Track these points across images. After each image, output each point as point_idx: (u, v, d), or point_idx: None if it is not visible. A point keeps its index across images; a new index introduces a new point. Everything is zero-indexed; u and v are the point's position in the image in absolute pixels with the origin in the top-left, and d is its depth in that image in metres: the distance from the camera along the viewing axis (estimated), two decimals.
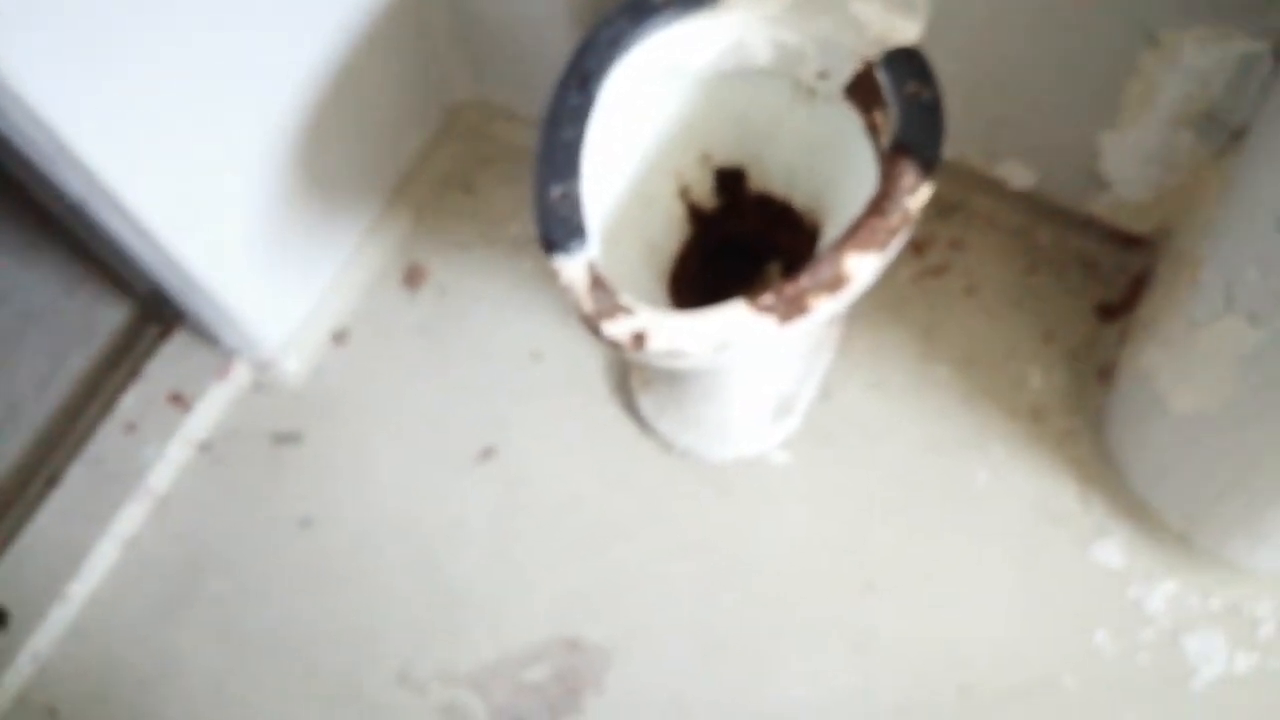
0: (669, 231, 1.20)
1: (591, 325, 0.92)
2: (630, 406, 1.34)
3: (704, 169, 1.22)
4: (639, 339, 0.90)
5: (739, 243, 1.28)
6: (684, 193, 1.21)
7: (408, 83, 1.40)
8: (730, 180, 1.23)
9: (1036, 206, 1.38)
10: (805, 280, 0.91)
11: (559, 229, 0.95)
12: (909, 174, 0.95)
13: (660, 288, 1.18)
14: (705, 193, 1.23)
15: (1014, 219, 1.40)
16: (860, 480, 1.28)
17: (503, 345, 1.40)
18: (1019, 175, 1.35)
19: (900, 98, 0.98)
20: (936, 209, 1.42)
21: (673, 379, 1.26)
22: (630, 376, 1.34)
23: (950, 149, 1.35)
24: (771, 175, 1.22)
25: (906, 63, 1.00)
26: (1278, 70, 1.03)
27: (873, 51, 1.02)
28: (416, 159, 1.49)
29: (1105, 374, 1.30)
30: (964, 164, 1.38)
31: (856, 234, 0.93)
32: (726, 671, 1.20)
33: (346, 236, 1.41)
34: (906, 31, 1.02)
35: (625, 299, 0.92)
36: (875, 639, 1.20)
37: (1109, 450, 1.25)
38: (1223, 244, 0.98)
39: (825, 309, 0.92)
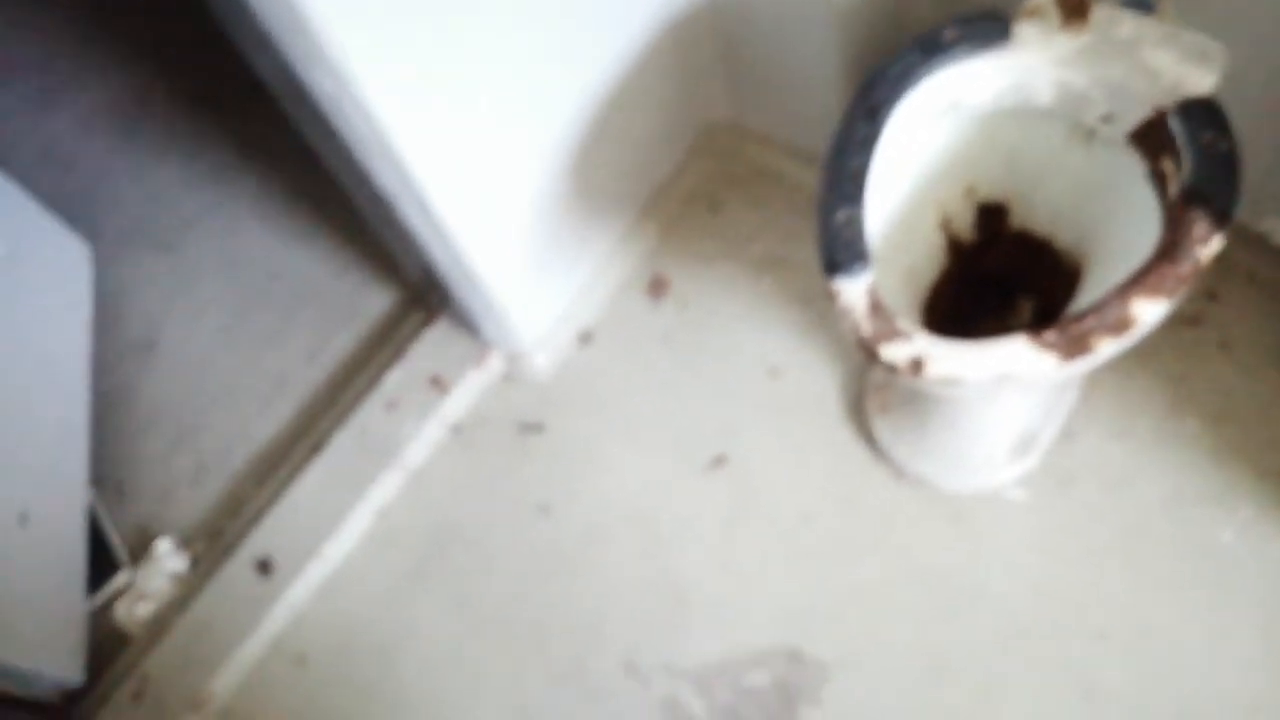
0: (928, 260, 1.23)
1: (869, 348, 0.95)
2: (864, 430, 1.36)
3: (967, 202, 1.23)
4: (917, 365, 0.93)
5: (993, 277, 1.29)
6: (945, 224, 1.23)
7: (671, 103, 1.46)
8: (992, 215, 1.25)
9: None
10: (1090, 320, 0.92)
11: (843, 251, 0.98)
12: (1201, 223, 0.95)
13: (915, 314, 1.20)
14: (966, 225, 1.24)
15: (1276, 275, 1.36)
16: (1098, 526, 1.27)
17: (740, 359, 1.44)
18: None
19: (1196, 147, 0.98)
20: None
21: (913, 406, 1.28)
22: (866, 400, 1.37)
23: None
24: (1035, 213, 1.23)
25: (1203, 113, 0.99)
26: None
27: (1166, 100, 1.02)
28: (670, 175, 1.55)
29: None
30: None
31: (1145, 279, 0.93)
32: (946, 700, 1.21)
33: (600, 244, 1.48)
34: (1201, 82, 1.01)
35: (903, 324, 0.95)
36: (1105, 687, 1.19)
37: None
38: None
39: (1108, 350, 0.92)
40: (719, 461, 1.39)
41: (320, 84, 1.01)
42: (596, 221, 1.45)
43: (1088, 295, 1.11)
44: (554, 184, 1.31)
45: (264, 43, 1.00)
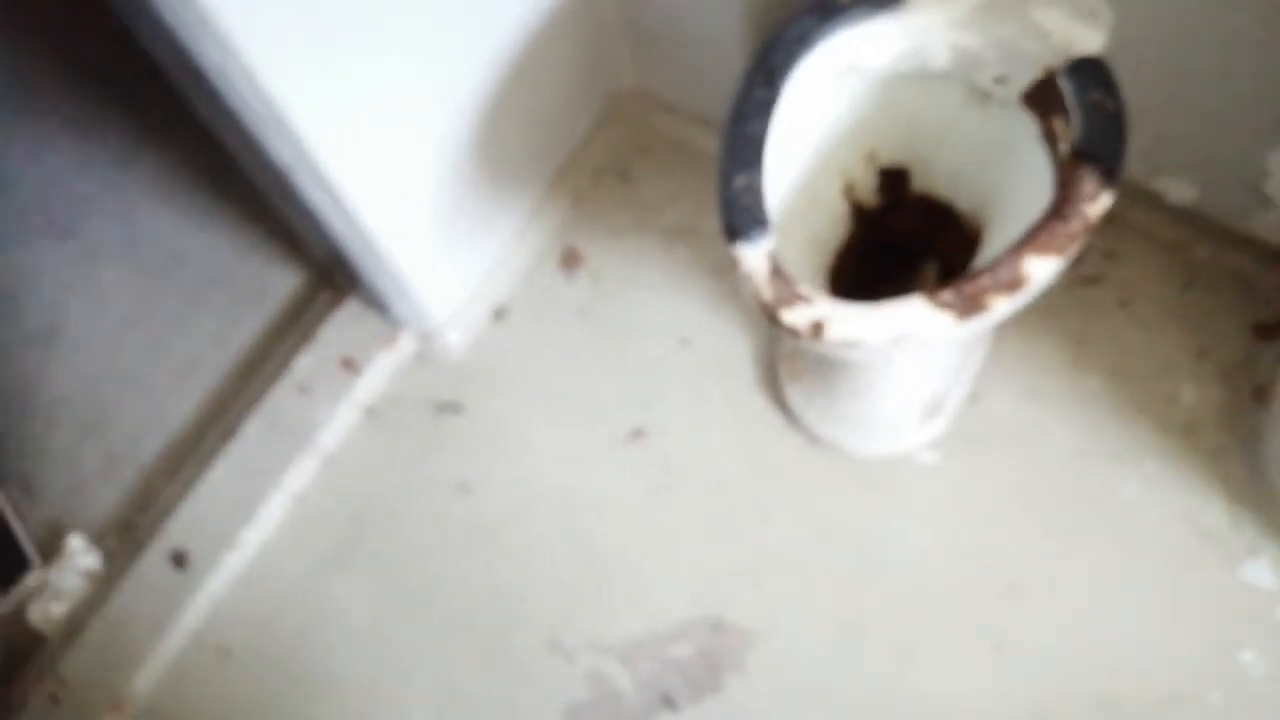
0: (832, 227, 1.23)
1: (770, 312, 0.96)
2: (777, 396, 1.37)
3: (869, 168, 1.24)
4: (817, 328, 0.94)
5: (897, 242, 1.31)
6: (848, 190, 1.24)
7: (576, 72, 1.45)
8: (893, 179, 1.26)
9: (1195, 222, 1.37)
10: (985, 280, 0.94)
11: (742, 218, 0.99)
12: (1090, 181, 0.96)
13: (820, 281, 1.21)
14: (868, 191, 1.25)
15: (1171, 233, 1.39)
16: (1007, 485, 1.29)
17: (654, 330, 1.44)
18: (1179, 190, 1.35)
19: (1084, 106, 1.00)
20: None
21: (823, 372, 1.29)
22: (779, 366, 1.38)
23: None
24: (936, 176, 1.24)
25: (1091, 72, 1.01)
26: None
27: (1055, 59, 1.03)
28: (578, 146, 1.54)
29: (1260, 393, 1.28)
30: (1122, 176, 1.37)
31: (1036, 237, 0.95)
32: (866, 661, 1.23)
33: (510, 219, 1.47)
34: (1089, 41, 1.03)
35: (804, 288, 0.96)
36: (1016, 641, 1.22)
37: (1262, 469, 1.24)
38: None
39: (1002, 309, 0.94)
40: (636, 434, 1.39)
41: (207, 55, 0.99)
42: (505, 195, 1.43)
43: (987, 257, 1.13)
44: (458, 157, 1.29)
45: (147, 14, 0.97)
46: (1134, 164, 1.36)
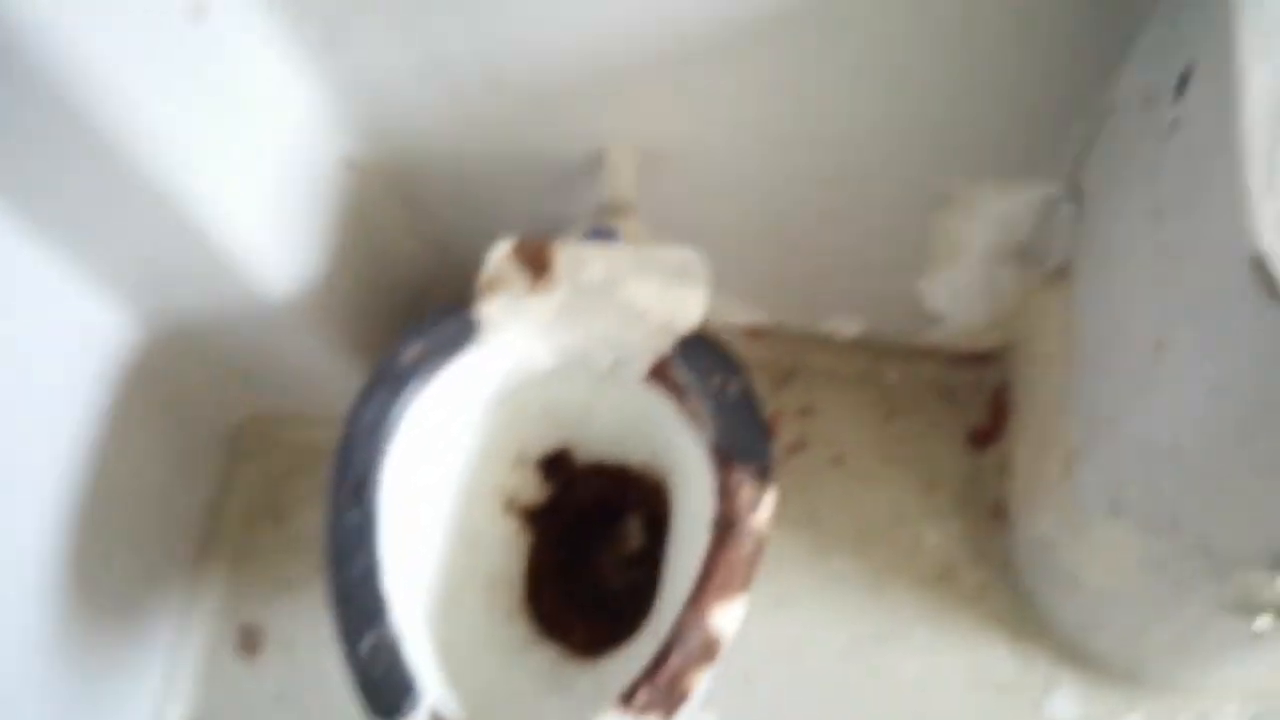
0: (506, 555, 1.07)
1: None
2: None
3: (523, 469, 1.09)
4: None
5: (589, 512, 1.16)
6: (509, 504, 1.08)
7: (170, 443, 1.23)
8: (554, 464, 1.11)
9: (873, 348, 1.31)
10: (675, 660, 0.80)
11: (382, 691, 0.81)
12: (746, 487, 0.85)
13: (518, 619, 1.05)
14: (532, 491, 1.10)
15: (855, 366, 1.32)
16: (797, 714, 1.18)
17: None
18: (847, 325, 1.28)
19: (708, 394, 0.88)
20: (773, 379, 1.33)
21: None
22: None
23: (771, 316, 1.28)
24: (596, 446, 1.10)
25: (702, 353, 0.89)
26: (1080, 209, 0.97)
27: (663, 342, 0.90)
28: (213, 502, 1.32)
29: (998, 511, 1.22)
30: (788, 329, 1.30)
31: (711, 580, 0.82)
32: None
33: (162, 626, 1.23)
34: (689, 312, 0.90)
35: None
36: None
37: (1029, 598, 1.18)
38: (1088, 448, 0.91)
39: (708, 676, 0.81)
40: None
41: None
42: (143, 603, 1.20)
43: (680, 502, 1.00)
44: (60, 608, 1.04)
45: None
46: (796, 316, 1.28)
